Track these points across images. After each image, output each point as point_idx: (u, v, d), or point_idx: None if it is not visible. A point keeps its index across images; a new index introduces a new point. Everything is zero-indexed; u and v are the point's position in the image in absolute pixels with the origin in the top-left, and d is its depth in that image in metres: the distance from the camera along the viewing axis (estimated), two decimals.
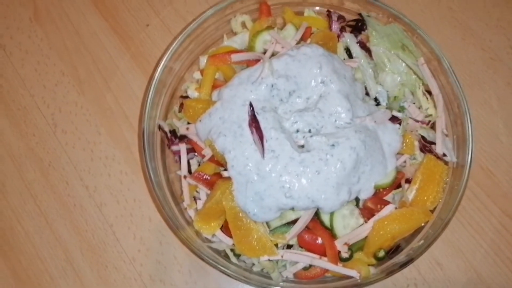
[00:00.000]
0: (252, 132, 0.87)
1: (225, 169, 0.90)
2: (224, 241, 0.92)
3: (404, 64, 1.00)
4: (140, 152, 0.95)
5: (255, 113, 0.87)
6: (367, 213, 0.91)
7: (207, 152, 0.93)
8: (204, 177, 0.92)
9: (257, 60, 0.96)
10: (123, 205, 1.09)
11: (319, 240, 0.90)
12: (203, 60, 1.03)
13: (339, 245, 0.88)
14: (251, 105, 0.88)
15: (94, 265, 1.06)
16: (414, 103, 1.00)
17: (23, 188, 1.12)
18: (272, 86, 0.90)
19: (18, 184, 1.12)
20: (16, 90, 1.19)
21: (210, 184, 0.92)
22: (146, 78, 1.17)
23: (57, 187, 1.12)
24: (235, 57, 0.98)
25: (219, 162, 0.91)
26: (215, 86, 0.99)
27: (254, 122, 0.87)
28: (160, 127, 0.98)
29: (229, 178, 0.88)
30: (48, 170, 1.13)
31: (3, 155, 1.14)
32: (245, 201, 0.87)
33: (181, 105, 0.99)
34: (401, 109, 0.99)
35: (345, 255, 0.88)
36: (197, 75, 1.05)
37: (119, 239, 1.07)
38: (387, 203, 0.91)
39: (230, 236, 0.90)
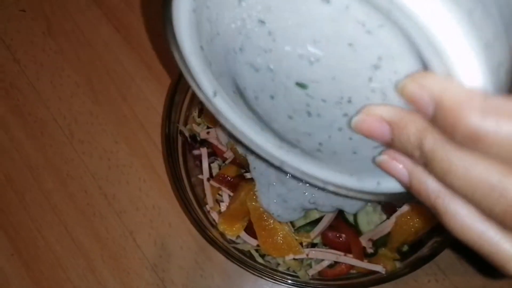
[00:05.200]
0: None
1: (247, 171, 0.91)
2: (248, 242, 0.93)
3: None
4: (164, 158, 0.97)
5: None
6: (389, 208, 0.92)
7: (229, 155, 0.94)
8: (227, 179, 0.93)
9: None
10: (142, 212, 1.10)
11: (342, 237, 0.91)
12: None
13: (363, 241, 0.90)
14: None
15: (116, 272, 1.06)
16: None
17: (42, 198, 1.12)
18: None
19: (37, 195, 1.12)
20: (32, 103, 1.20)
21: (233, 186, 0.93)
22: (161, 86, 1.18)
23: (76, 196, 1.12)
24: None
25: (241, 164, 0.92)
26: None
27: None
28: (181, 132, 1.00)
29: (252, 180, 0.89)
30: (66, 180, 1.13)
31: (22, 167, 1.15)
32: (269, 203, 0.88)
33: (201, 110, 1.01)
34: None
35: (370, 250, 0.90)
36: None
37: (140, 245, 1.08)
38: None
39: (254, 237, 0.91)
